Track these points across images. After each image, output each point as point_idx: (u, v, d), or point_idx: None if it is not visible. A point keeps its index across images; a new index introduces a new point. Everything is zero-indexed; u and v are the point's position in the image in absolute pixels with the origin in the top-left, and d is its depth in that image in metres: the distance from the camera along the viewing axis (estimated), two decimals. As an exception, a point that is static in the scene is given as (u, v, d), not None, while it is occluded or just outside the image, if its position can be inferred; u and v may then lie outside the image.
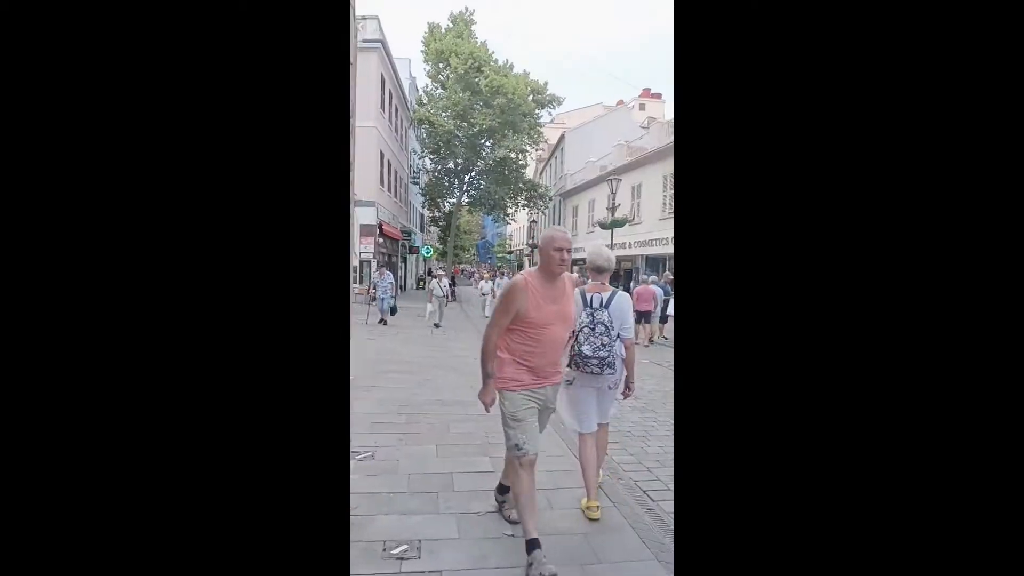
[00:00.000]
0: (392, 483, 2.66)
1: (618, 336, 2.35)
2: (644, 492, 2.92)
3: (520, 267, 34.16)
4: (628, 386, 2.47)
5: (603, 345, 2.30)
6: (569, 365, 2.41)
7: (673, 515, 2.46)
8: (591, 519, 2.35)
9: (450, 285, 17.31)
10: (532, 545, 1.89)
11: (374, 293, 10.36)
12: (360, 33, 15.03)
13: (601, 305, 2.36)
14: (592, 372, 2.33)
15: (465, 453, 3.15)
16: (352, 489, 2.45)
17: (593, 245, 2.62)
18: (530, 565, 1.86)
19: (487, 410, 2.13)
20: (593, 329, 2.32)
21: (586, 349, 2.32)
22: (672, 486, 3.13)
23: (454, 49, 18.47)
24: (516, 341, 2.06)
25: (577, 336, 2.34)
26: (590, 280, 2.51)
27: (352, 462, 2.84)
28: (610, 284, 2.47)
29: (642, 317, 9.04)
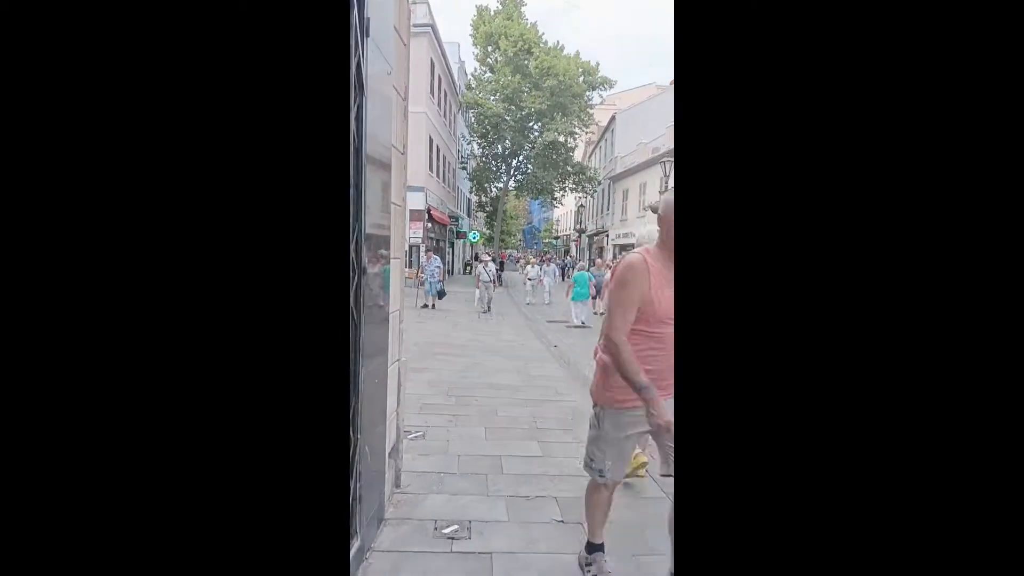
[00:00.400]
0: (443, 463, 2.71)
1: None
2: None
3: (567, 252, 33.77)
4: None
5: None
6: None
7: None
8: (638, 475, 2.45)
9: (497, 270, 17.40)
10: (594, 548, 1.83)
11: (422, 277, 10.51)
12: (411, 17, 15.16)
13: None
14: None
15: (513, 437, 3.18)
16: (404, 468, 2.53)
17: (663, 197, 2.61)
18: (589, 565, 1.82)
19: (670, 430, 1.46)
20: None
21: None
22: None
23: (503, 31, 18.28)
24: (631, 342, 1.53)
25: None
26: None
27: (404, 441, 2.92)
28: None
29: None
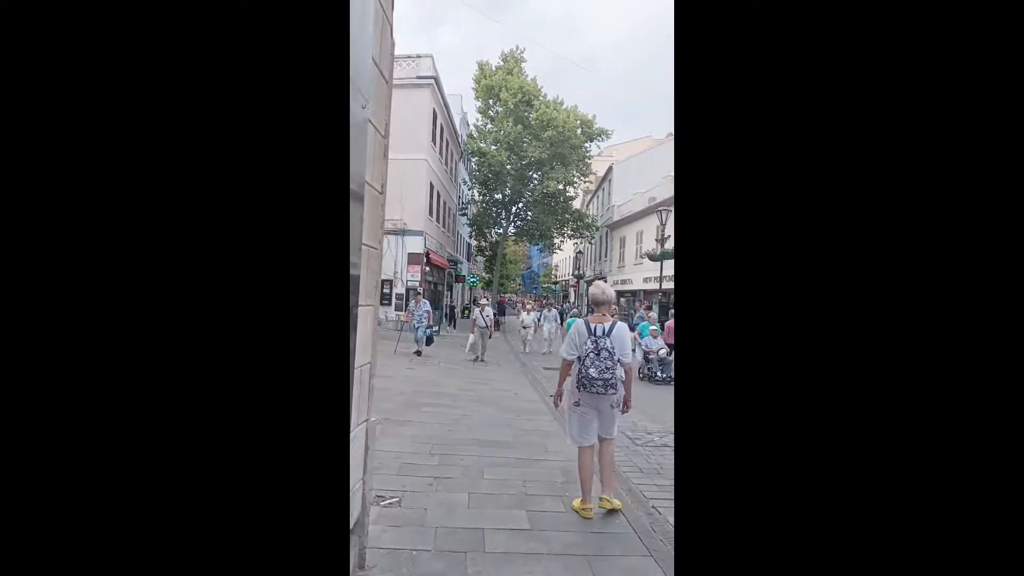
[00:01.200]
0: (417, 538, 2.40)
1: (618, 360, 2.68)
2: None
3: (566, 297, 33.72)
4: (626, 403, 2.81)
5: (607, 368, 2.65)
6: (577, 387, 2.75)
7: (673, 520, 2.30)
8: (584, 518, 2.69)
9: (496, 315, 17.03)
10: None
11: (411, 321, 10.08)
12: (415, 70, 15.72)
13: (604, 333, 2.71)
14: (597, 392, 2.68)
15: (500, 505, 2.86)
16: (371, 544, 2.22)
17: (594, 283, 3.07)
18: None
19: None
20: (598, 355, 2.67)
21: (592, 372, 2.66)
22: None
23: (504, 84, 18.93)
24: None
25: (584, 361, 2.70)
26: (594, 312, 2.87)
27: (377, 508, 2.61)
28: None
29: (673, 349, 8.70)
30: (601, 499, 2.77)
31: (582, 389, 2.72)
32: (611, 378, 2.65)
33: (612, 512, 2.75)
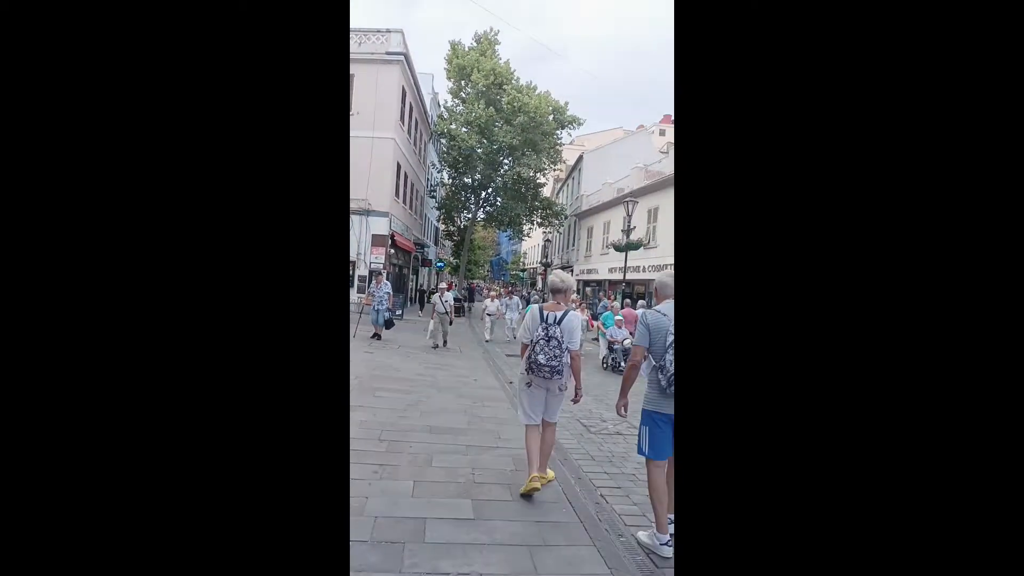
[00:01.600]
0: (353, 529, 2.30)
1: (567, 348, 2.75)
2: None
3: (533, 284, 33.83)
4: (576, 392, 2.93)
5: (555, 356, 2.74)
6: (527, 371, 2.86)
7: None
8: (531, 488, 2.75)
9: (462, 300, 16.72)
10: None
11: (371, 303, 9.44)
12: (384, 45, 15.15)
13: (555, 322, 2.79)
14: (544, 377, 2.79)
15: (445, 493, 2.80)
16: (303, 535, 2.12)
17: (554, 271, 3.11)
18: None
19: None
20: (548, 342, 2.76)
21: (541, 358, 2.76)
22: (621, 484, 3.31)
23: (476, 65, 18.53)
24: None
25: (534, 347, 2.79)
26: (550, 299, 2.95)
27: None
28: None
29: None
30: (538, 478, 2.82)
31: (530, 372, 2.85)
32: (558, 365, 2.75)
33: (557, 502, 2.74)
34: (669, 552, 2.31)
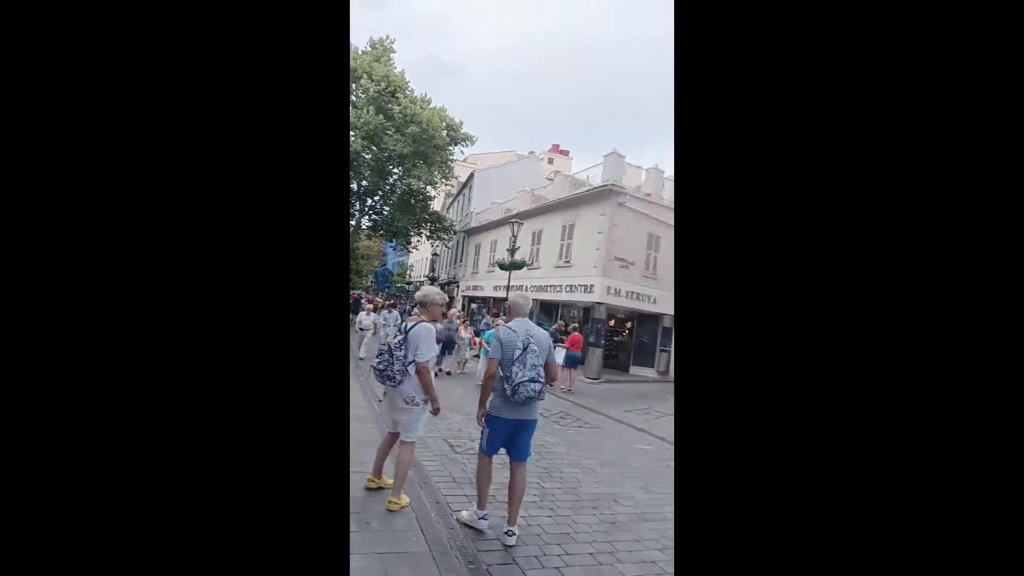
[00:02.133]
0: None
1: (412, 361, 2.86)
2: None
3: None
4: (432, 405, 2.97)
5: (390, 362, 2.88)
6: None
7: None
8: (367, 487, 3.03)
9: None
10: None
11: None
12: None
13: (405, 331, 2.93)
14: (377, 380, 3.01)
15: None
16: None
17: (423, 286, 3.33)
18: None
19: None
20: (398, 348, 2.92)
21: (374, 362, 2.97)
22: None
23: (369, 70, 17.97)
24: None
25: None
26: (416, 311, 3.19)
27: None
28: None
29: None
30: (389, 502, 2.84)
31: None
32: (385, 369, 2.89)
33: (408, 530, 2.61)
34: (485, 525, 2.79)
